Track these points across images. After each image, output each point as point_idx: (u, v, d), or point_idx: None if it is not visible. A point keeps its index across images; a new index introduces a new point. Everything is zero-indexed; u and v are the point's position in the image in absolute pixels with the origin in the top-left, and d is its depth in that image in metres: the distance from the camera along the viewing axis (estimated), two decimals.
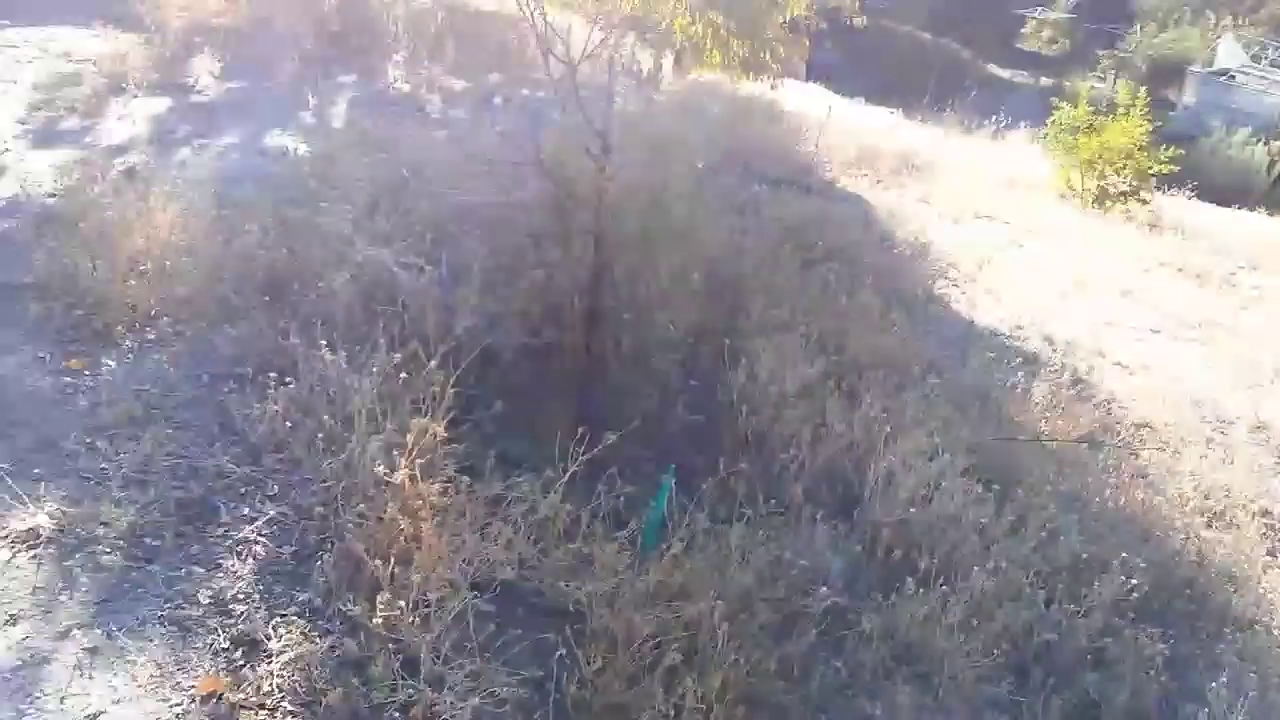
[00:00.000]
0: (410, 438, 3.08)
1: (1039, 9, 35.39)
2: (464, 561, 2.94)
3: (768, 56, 12.14)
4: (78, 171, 5.30)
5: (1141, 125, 12.51)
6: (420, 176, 5.21)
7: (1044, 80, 30.05)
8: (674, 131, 7.76)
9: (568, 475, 3.17)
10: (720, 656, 2.79)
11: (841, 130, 12.41)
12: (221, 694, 2.63)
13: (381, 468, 3.02)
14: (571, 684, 2.71)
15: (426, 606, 2.81)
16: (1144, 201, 12.59)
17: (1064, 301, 7.96)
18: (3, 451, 3.29)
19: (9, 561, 2.91)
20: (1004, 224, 10.36)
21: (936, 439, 3.92)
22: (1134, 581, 3.47)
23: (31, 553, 2.95)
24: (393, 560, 2.88)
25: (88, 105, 6.58)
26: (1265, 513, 4.83)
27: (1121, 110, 12.90)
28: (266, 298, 4.24)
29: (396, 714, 2.62)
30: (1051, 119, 14.24)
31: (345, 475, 3.21)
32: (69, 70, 7.19)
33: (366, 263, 4.19)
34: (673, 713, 2.65)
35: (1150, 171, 12.44)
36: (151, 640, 2.75)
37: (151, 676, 2.64)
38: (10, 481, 3.14)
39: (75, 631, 2.72)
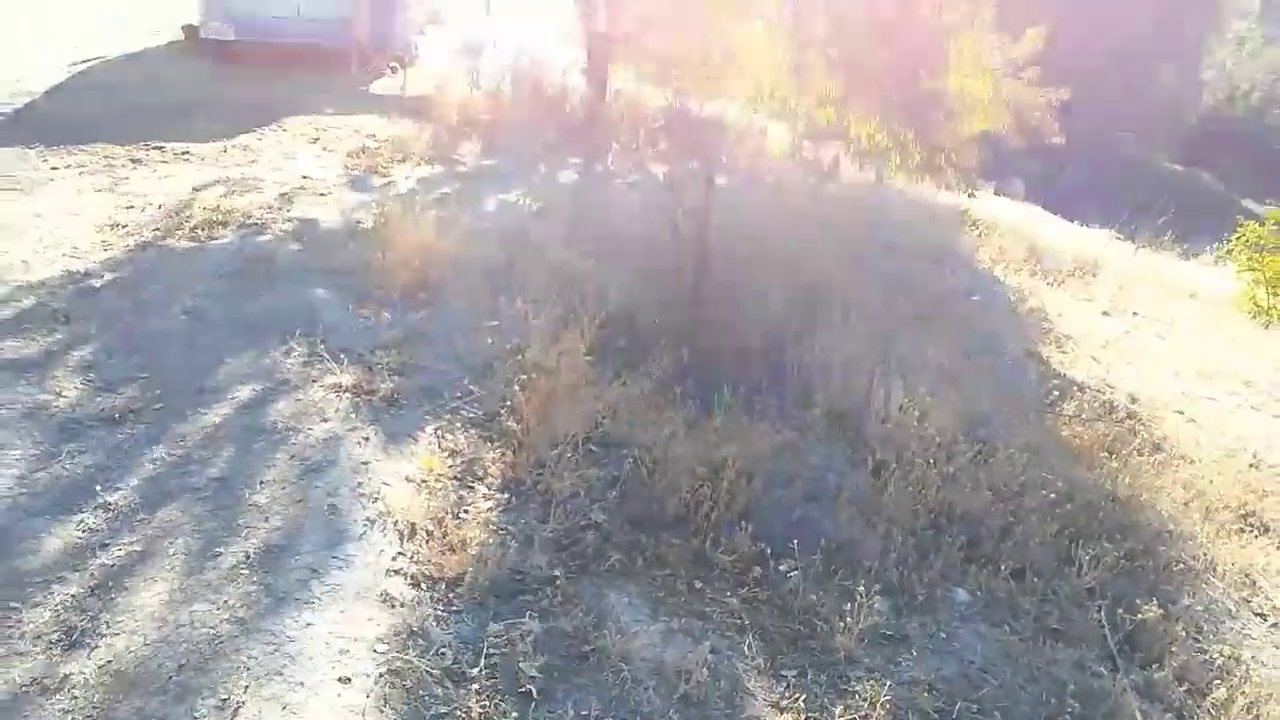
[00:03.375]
0: (561, 346, 4.95)
1: None
2: (583, 417, 4.75)
3: (943, 163, 13.56)
4: (375, 205, 7.66)
5: None
6: (606, 217, 7.21)
7: None
8: (830, 213, 9.45)
9: (654, 380, 4.96)
10: (732, 483, 4.43)
11: (1024, 236, 13.35)
12: (434, 468, 4.53)
13: (543, 360, 4.89)
14: (635, 480, 4.45)
15: (555, 438, 4.63)
16: None
17: (1173, 379, 8.80)
18: (324, 347, 5.39)
19: (324, 398, 4.96)
20: (1154, 321, 11.04)
21: (932, 398, 5.36)
22: (1053, 496, 4.79)
23: (335, 395, 5.00)
24: (538, 411, 4.73)
25: (383, 168, 9.06)
26: (1249, 514, 5.82)
27: None
28: (488, 280, 6.30)
29: (529, 486, 4.43)
30: (1235, 235, 14.66)
31: (520, 370, 5.10)
32: (371, 145, 9.78)
33: (556, 261, 6.19)
34: (694, 500, 4.33)
35: None
36: (399, 450, 4.70)
37: (384, 456, 4.58)
38: (328, 360, 5.25)
39: (358, 428, 4.71)
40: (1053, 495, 4.87)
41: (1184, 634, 4.30)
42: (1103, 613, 4.23)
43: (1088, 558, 4.48)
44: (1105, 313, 10.59)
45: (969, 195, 13.88)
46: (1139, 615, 4.19)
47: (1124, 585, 4.56)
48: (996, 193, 18.67)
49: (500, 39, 15.42)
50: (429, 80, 12.67)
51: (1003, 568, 4.40)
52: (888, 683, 3.62)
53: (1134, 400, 7.62)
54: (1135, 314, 10.90)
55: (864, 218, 9.77)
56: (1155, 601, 4.34)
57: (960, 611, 4.18)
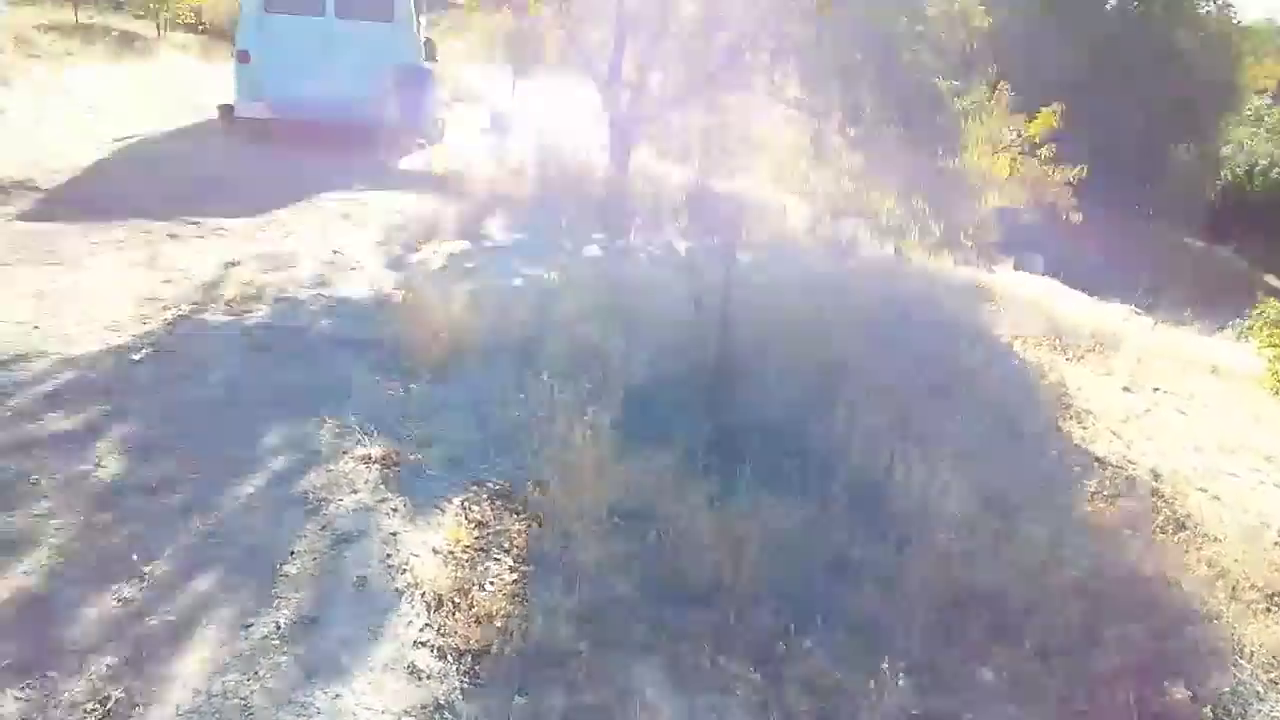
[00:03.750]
0: (585, 420, 5.05)
1: None
2: (607, 490, 4.83)
3: (962, 238, 13.78)
4: (404, 280, 7.85)
5: None
6: (629, 292, 7.37)
7: None
8: (849, 287, 9.59)
9: (678, 454, 5.04)
10: (755, 558, 4.48)
11: (1043, 310, 13.43)
12: (460, 539, 4.61)
13: (567, 433, 4.99)
14: (658, 554, 4.51)
15: (579, 511, 4.71)
16: None
17: (1195, 455, 8.80)
18: (354, 419, 5.51)
19: (354, 469, 5.07)
20: (1175, 396, 11.03)
21: (953, 474, 5.41)
22: (1077, 574, 4.80)
23: (365, 466, 5.11)
24: (562, 484, 4.81)
25: (412, 243, 9.29)
26: (1275, 594, 5.79)
27: None
28: (514, 354, 6.43)
29: (554, 557, 4.49)
30: (1256, 311, 14.68)
31: (546, 441, 5.18)
32: (400, 222, 10.03)
33: (580, 335, 6.32)
34: (716, 575, 4.37)
35: None
36: (427, 521, 4.78)
37: (412, 527, 4.66)
38: (358, 432, 5.36)
39: (387, 499, 4.81)
40: (1076, 574, 4.89)
41: (1212, 716, 4.27)
42: (1130, 694, 4.22)
43: (1113, 638, 4.49)
44: (1126, 388, 10.59)
45: (988, 270, 14.00)
46: (1166, 697, 4.18)
47: (1151, 666, 4.54)
48: (1015, 267, 18.84)
49: (525, 117, 15.84)
50: (456, 157, 13.02)
51: (1027, 645, 4.41)
52: None
53: (1156, 476, 7.61)
54: (1156, 389, 10.88)
55: (882, 291, 9.88)
56: (1182, 683, 4.33)
57: (986, 691, 4.19)
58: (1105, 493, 6.41)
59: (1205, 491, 7.64)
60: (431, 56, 14.52)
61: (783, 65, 11.40)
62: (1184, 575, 5.64)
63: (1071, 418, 8.61)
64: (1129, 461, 7.84)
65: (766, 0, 10.95)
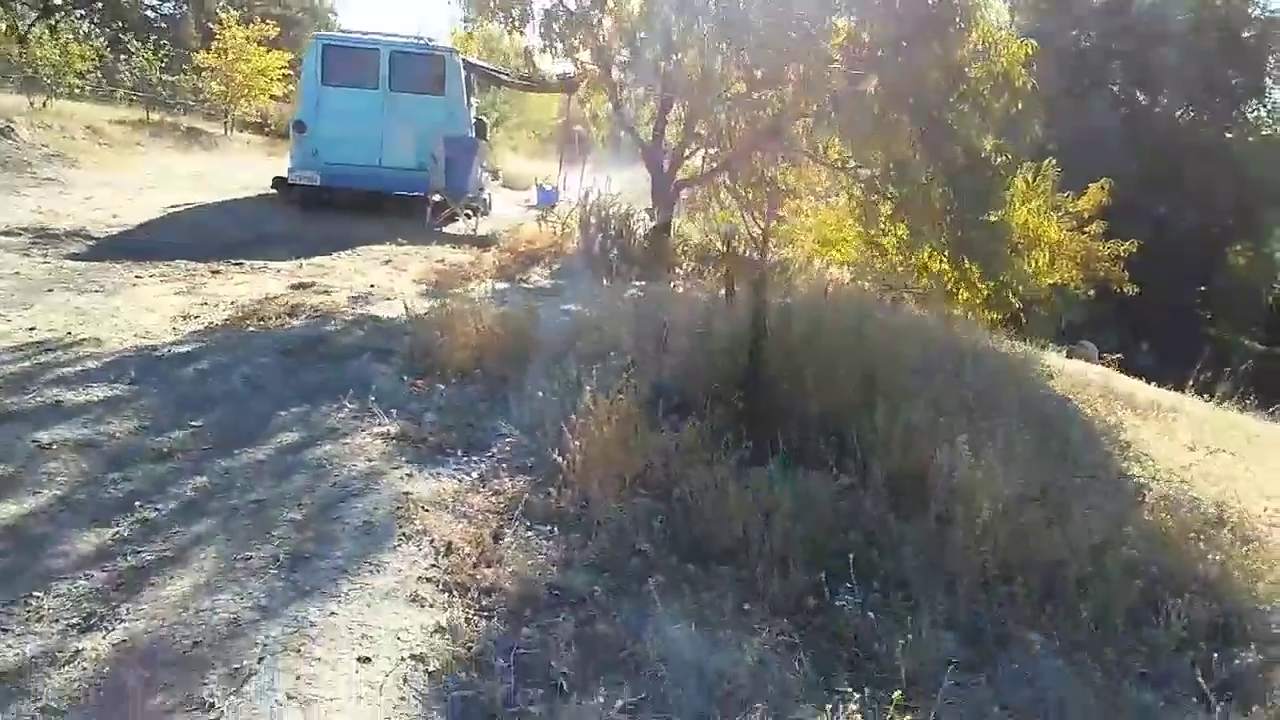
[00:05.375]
0: (610, 400, 4.87)
1: None
2: (631, 460, 4.61)
3: (1010, 297, 13.59)
4: (439, 302, 7.81)
5: None
6: (664, 314, 7.22)
7: None
8: (888, 327, 9.38)
9: (707, 431, 4.83)
10: (786, 523, 4.21)
11: (1095, 382, 13.07)
12: (476, 501, 4.40)
13: (592, 410, 4.80)
14: (682, 514, 4.25)
15: (602, 477, 4.49)
16: None
17: (1262, 500, 8.33)
18: (379, 406, 5.37)
19: (370, 443, 4.92)
20: (1239, 456, 10.52)
21: (1000, 463, 5.08)
22: (1136, 553, 4.44)
23: (382, 440, 4.96)
24: (585, 452, 4.60)
25: (449, 282, 9.29)
26: None
27: None
28: (546, 360, 6.28)
29: (572, 516, 4.26)
30: None
31: (568, 420, 4.99)
32: (440, 268, 10.08)
33: (613, 337, 6.18)
34: (745, 536, 4.11)
35: None
36: (441, 486, 4.59)
37: (424, 488, 4.47)
38: (381, 417, 5.22)
39: (401, 466, 4.64)
40: (1135, 554, 4.52)
41: None
42: (1195, 663, 3.81)
43: (1177, 613, 4.10)
44: (1188, 446, 10.14)
45: (1040, 346, 13.67)
46: (1235, 661, 3.78)
47: (1219, 640, 4.14)
48: (1068, 355, 18.43)
49: (570, 193, 16.08)
50: (500, 225, 13.19)
51: (1083, 614, 4.04)
52: (956, 700, 3.28)
53: (1221, 508, 7.20)
54: (1220, 450, 10.43)
55: (924, 338, 9.63)
56: (1253, 648, 3.93)
57: (1036, 651, 3.82)
58: (1165, 507, 6.01)
59: (1276, 527, 7.18)
60: (481, 134, 14.87)
61: (825, 127, 11.38)
62: (1257, 582, 5.21)
63: (1130, 458, 8.21)
64: (1191, 498, 7.42)
65: (810, 62, 11.00)
